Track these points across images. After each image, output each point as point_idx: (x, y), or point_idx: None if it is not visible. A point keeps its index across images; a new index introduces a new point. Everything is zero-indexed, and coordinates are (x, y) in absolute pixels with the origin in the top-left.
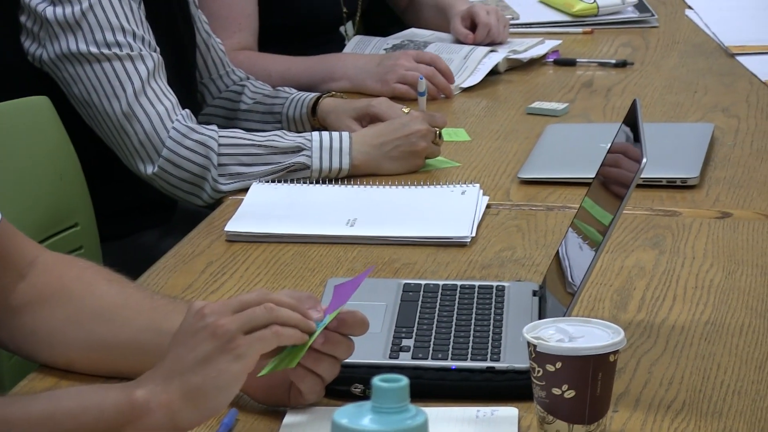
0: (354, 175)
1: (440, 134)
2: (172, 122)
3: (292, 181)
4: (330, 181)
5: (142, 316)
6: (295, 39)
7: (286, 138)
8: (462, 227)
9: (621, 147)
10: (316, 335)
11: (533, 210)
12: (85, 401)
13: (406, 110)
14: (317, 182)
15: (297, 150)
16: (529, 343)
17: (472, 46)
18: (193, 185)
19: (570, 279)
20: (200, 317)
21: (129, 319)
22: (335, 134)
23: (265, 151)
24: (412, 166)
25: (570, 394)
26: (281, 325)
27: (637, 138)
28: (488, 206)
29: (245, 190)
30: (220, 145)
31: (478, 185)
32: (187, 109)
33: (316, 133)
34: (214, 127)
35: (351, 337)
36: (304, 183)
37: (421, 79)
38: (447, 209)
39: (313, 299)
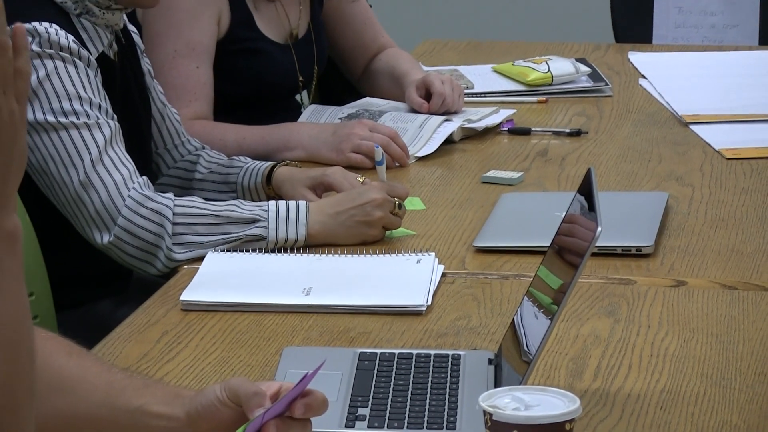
0: (310, 244)
1: (401, 205)
2: (129, 190)
3: (247, 250)
4: (285, 250)
5: (98, 391)
6: (250, 107)
7: (243, 208)
8: (417, 296)
9: (576, 216)
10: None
11: (488, 278)
12: None
13: (360, 179)
14: (273, 251)
15: (253, 221)
16: (484, 412)
17: (426, 115)
18: (147, 253)
19: (525, 347)
20: None
21: (86, 393)
22: (292, 204)
23: (220, 221)
24: (368, 236)
25: None
26: None
27: (591, 207)
28: (443, 275)
29: (201, 258)
30: (175, 214)
31: (433, 254)
32: (144, 177)
33: (273, 203)
34: (171, 195)
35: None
36: (259, 252)
37: (378, 148)
38: (402, 278)
39: (261, 397)
